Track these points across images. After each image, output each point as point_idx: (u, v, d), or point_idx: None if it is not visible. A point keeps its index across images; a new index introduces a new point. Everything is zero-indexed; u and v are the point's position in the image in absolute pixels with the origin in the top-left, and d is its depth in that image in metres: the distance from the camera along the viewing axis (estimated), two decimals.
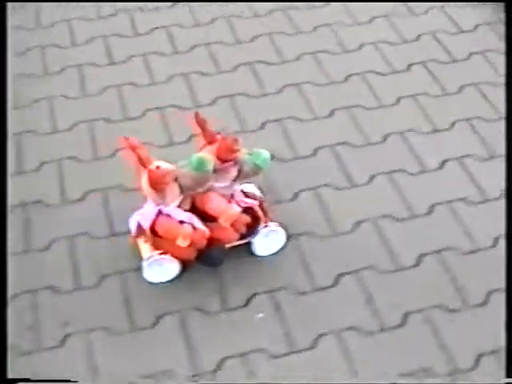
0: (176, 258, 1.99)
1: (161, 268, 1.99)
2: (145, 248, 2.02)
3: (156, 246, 2.00)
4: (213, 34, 2.83)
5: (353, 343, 1.87)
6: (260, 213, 2.04)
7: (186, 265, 2.03)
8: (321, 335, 1.88)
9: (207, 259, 2.00)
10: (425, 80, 2.63)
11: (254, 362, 1.83)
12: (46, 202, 2.21)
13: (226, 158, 1.92)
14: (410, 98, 2.55)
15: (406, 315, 1.92)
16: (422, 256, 2.06)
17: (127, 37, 2.81)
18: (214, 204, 1.96)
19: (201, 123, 1.95)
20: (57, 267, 2.04)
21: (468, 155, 2.36)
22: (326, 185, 2.25)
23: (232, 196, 2.01)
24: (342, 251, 2.08)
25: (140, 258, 2.01)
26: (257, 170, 1.98)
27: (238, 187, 2.03)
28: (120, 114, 2.48)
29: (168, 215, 1.94)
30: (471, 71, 2.68)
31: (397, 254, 2.07)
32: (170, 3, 2.99)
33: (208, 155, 1.90)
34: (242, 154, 1.97)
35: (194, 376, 1.80)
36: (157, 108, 2.50)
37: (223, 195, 1.99)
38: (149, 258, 1.98)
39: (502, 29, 2.87)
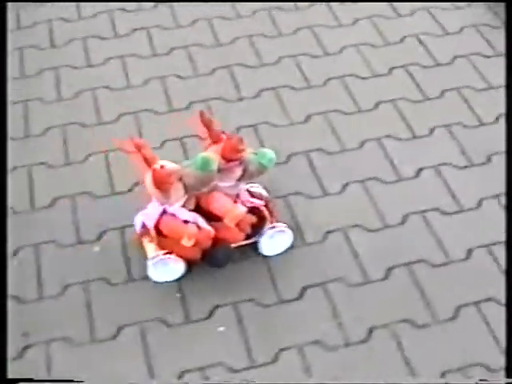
0: (181, 257, 1.98)
1: (166, 268, 1.98)
2: (150, 247, 2.01)
3: (161, 246, 1.99)
4: (193, 36, 2.78)
5: (316, 358, 1.83)
6: (266, 213, 2.02)
7: (191, 265, 2.02)
8: (283, 349, 1.84)
9: (212, 259, 1.99)
10: (406, 84, 2.56)
11: (213, 375, 1.80)
12: (14, 208, 2.17)
13: (230, 157, 1.91)
14: (390, 102, 2.49)
15: (372, 330, 1.88)
16: (391, 269, 2.02)
17: (106, 38, 2.76)
18: (219, 204, 1.95)
19: (206, 122, 1.94)
20: (21, 276, 2.01)
21: (445, 163, 2.30)
22: (297, 193, 2.21)
23: (237, 196, 2.00)
24: (309, 262, 2.03)
25: (144, 258, 1.99)
26: (262, 169, 1.97)
27: (243, 187, 2.01)
28: (94, 119, 2.45)
29: (172, 215, 1.93)
30: (454, 75, 2.60)
31: (366, 266, 2.02)
32: (152, 3, 2.97)
33: (213, 155, 1.89)
34: (247, 153, 1.95)
35: None
36: (131, 112, 2.46)
37: (228, 195, 1.97)
38: (154, 257, 1.98)
39: (487, 31, 2.79)
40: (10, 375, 1.81)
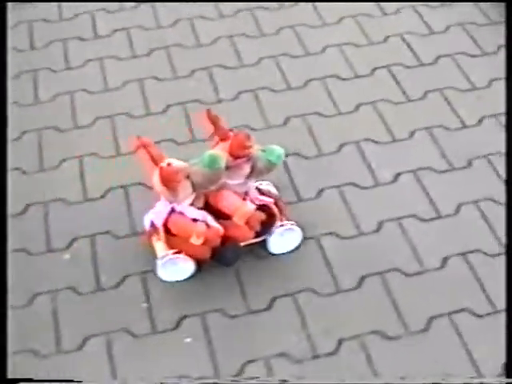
0: (190, 256, 1.97)
1: (175, 267, 1.97)
2: (159, 247, 1.99)
3: (170, 245, 1.97)
4: (173, 37, 2.74)
5: (282, 371, 1.80)
6: (275, 210, 2.00)
7: (200, 264, 2.00)
8: (249, 361, 1.81)
9: (221, 258, 1.98)
10: (388, 85, 2.51)
11: None
12: None
13: (238, 154, 1.89)
14: (370, 104, 2.44)
15: (341, 341, 1.84)
16: (363, 278, 1.98)
17: (87, 40, 2.73)
18: (228, 202, 1.93)
19: (213, 120, 1.92)
20: None
21: (424, 167, 2.24)
22: None
23: (246, 193, 1.98)
24: (279, 272, 1.99)
25: (154, 257, 1.97)
26: (270, 166, 1.95)
27: (252, 184, 1.99)
28: (69, 123, 2.41)
29: (181, 213, 1.92)
30: (437, 76, 2.54)
31: (338, 275, 1.98)
32: (134, 3, 2.91)
33: (220, 152, 1.87)
34: (256, 150, 1.93)
35: None
36: (107, 116, 2.43)
37: (237, 193, 1.95)
38: (163, 256, 1.96)
39: (474, 29, 2.72)
40: None
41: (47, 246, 2.08)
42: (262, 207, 1.99)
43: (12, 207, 2.19)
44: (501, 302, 1.93)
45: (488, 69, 2.58)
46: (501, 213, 2.14)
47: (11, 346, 1.86)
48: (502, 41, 2.69)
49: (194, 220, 1.93)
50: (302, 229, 2.06)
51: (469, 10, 2.83)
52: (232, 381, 1.81)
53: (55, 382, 1.82)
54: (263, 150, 1.95)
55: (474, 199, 2.16)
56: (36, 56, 2.69)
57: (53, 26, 2.82)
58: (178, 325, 1.90)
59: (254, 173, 1.96)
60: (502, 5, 2.81)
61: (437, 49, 2.65)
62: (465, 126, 2.37)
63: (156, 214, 1.97)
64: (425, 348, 1.84)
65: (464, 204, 2.14)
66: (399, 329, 1.87)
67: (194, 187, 1.90)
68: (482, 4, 2.85)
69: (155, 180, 1.88)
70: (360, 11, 2.83)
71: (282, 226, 2.01)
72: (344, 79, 2.54)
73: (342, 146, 2.32)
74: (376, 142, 2.33)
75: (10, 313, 1.93)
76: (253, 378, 1.80)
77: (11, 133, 2.41)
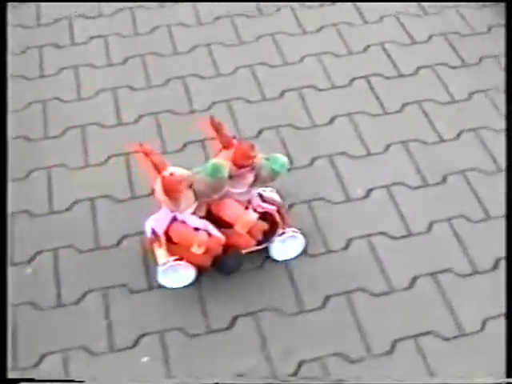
0: (192, 264, 1.95)
1: (176, 274, 1.96)
2: (160, 253, 1.97)
3: (171, 252, 1.95)
4: (150, 44, 2.68)
5: None
6: (278, 218, 1.98)
7: (201, 271, 1.98)
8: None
9: (223, 266, 1.96)
10: (365, 97, 2.45)
11: None
12: None
13: (242, 163, 1.88)
14: (346, 116, 2.38)
15: (301, 364, 1.78)
16: (328, 297, 1.92)
17: (63, 47, 2.68)
18: (230, 210, 1.91)
19: (216, 127, 1.90)
20: None
21: (398, 183, 2.18)
22: None
23: (249, 201, 1.96)
24: (242, 291, 1.94)
25: (155, 264, 1.95)
26: (274, 175, 1.93)
27: (255, 193, 1.97)
28: (40, 133, 2.36)
29: (183, 222, 1.90)
30: (417, 87, 2.48)
31: (303, 294, 1.93)
32: (113, 9, 2.86)
33: (223, 161, 1.85)
34: (259, 159, 1.91)
35: None
36: (79, 126, 2.38)
37: (239, 201, 1.93)
38: (164, 263, 1.94)
39: (456, 39, 2.65)
40: None
41: (11, 260, 2.03)
42: (264, 214, 1.97)
43: None
44: (470, 325, 1.87)
45: (469, 81, 2.51)
46: (474, 231, 2.08)
47: None
48: (485, 52, 2.62)
49: (196, 229, 1.90)
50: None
51: (452, 19, 2.76)
52: None
53: (55, 381, 1.80)
54: (267, 159, 1.93)
55: (447, 217, 2.10)
56: (10, 63, 2.63)
57: (30, 31, 2.77)
58: (136, 343, 1.86)
59: (257, 181, 1.94)
60: (487, 14, 2.77)
61: (418, 59, 2.59)
62: (442, 140, 2.32)
63: (157, 222, 1.95)
64: (388, 371, 1.78)
65: (436, 222, 2.09)
66: (362, 351, 1.82)
67: (197, 196, 1.88)
68: (466, 13, 2.79)
69: (157, 189, 1.86)
70: (341, 19, 2.77)
71: (283, 233, 1.99)
72: (321, 90, 2.49)
73: (314, 159, 2.26)
74: (350, 156, 2.27)
75: None
76: None
77: None
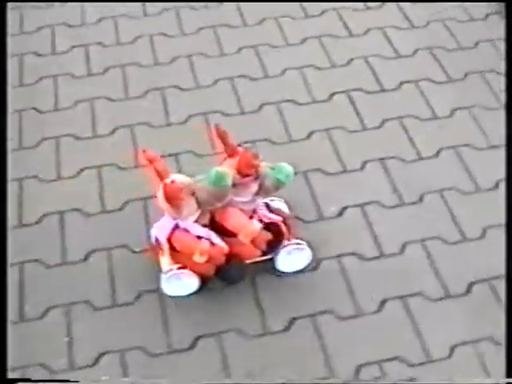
0: (195, 272, 1.93)
1: (179, 282, 1.94)
2: (164, 261, 1.96)
3: (175, 260, 1.94)
4: (130, 54, 2.65)
5: None
6: (284, 229, 1.95)
7: (205, 280, 1.95)
8: None
9: (225, 276, 1.94)
10: (345, 112, 2.40)
11: None
12: None
13: (246, 172, 1.85)
14: (324, 132, 2.33)
15: None
16: (294, 319, 1.87)
17: (43, 55, 2.65)
18: (234, 220, 1.89)
19: (222, 136, 1.88)
20: None
21: (373, 202, 2.13)
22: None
23: (254, 211, 1.93)
24: (205, 310, 1.90)
25: (159, 271, 1.93)
26: (279, 184, 1.90)
27: (260, 202, 1.95)
28: (15, 143, 2.33)
29: (185, 230, 1.88)
30: (398, 103, 2.43)
31: (267, 316, 1.88)
32: (96, 18, 2.82)
33: (227, 169, 1.84)
34: (264, 167, 1.88)
35: None
36: (54, 137, 2.35)
37: (244, 210, 1.90)
38: (168, 271, 1.92)
39: (442, 54, 2.60)
40: None
41: None
42: (269, 225, 1.94)
43: None
44: (438, 351, 1.81)
45: (452, 97, 2.46)
46: (448, 253, 2.02)
47: None
48: (470, 67, 2.57)
49: (199, 237, 1.88)
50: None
51: (439, 33, 2.71)
52: None
53: (55, 381, 1.79)
54: (272, 168, 1.91)
55: (421, 238, 2.05)
56: None
57: (12, 39, 2.74)
58: (96, 361, 1.82)
59: (261, 191, 1.91)
60: (475, 29, 2.71)
61: (402, 74, 2.54)
62: (421, 158, 2.26)
63: (159, 229, 1.94)
64: None
65: (410, 243, 2.04)
66: (326, 373, 1.76)
67: (200, 204, 1.85)
68: (454, 27, 2.73)
69: (160, 196, 1.85)
70: (326, 32, 2.72)
71: (289, 244, 1.96)
72: (300, 104, 2.44)
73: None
74: (325, 173, 2.22)
75: None
76: None
77: None
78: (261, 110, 2.43)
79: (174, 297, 1.94)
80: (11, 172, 2.26)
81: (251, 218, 1.93)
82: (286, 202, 2.07)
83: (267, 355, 1.82)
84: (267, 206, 2.01)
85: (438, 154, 2.28)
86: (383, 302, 1.91)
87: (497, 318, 1.87)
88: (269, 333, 1.86)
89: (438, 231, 2.07)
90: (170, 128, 2.39)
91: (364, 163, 2.26)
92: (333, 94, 2.47)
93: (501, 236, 2.06)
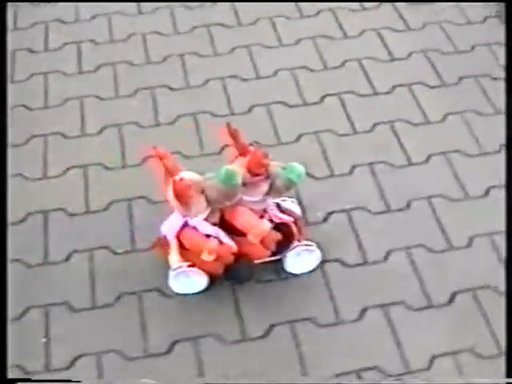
0: (203, 271, 1.92)
1: (188, 280, 1.93)
2: (173, 258, 1.94)
3: (184, 257, 1.93)
4: (123, 52, 2.63)
5: None
6: (294, 230, 1.94)
7: (214, 279, 1.95)
8: None
9: (234, 275, 1.94)
10: (335, 115, 2.37)
11: None
12: None
13: (256, 171, 1.84)
14: (314, 135, 2.31)
15: None
16: (272, 326, 1.84)
17: (36, 52, 2.64)
18: (243, 219, 1.88)
19: (233, 134, 1.87)
20: None
21: (359, 207, 2.10)
22: None
23: (265, 210, 1.92)
24: (184, 314, 1.88)
25: (168, 268, 1.92)
26: (290, 184, 1.89)
27: (271, 202, 1.94)
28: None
29: (194, 228, 1.88)
30: (390, 107, 2.40)
31: (246, 322, 1.85)
32: (90, 15, 2.81)
33: (237, 168, 1.83)
34: (275, 167, 1.87)
35: None
36: (41, 135, 2.34)
37: (254, 210, 1.89)
38: (176, 268, 1.92)
39: (437, 57, 2.56)
40: None
41: None
42: (280, 225, 1.93)
43: None
44: (417, 362, 1.77)
45: (445, 101, 2.42)
46: (432, 262, 1.99)
47: None
48: (465, 72, 2.53)
49: (207, 236, 1.87)
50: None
51: (435, 36, 2.66)
52: None
53: (55, 381, 1.78)
54: (283, 168, 1.89)
55: (405, 245, 2.01)
56: None
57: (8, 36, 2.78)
58: (72, 364, 1.81)
59: (272, 191, 1.90)
60: (472, 32, 2.66)
61: (395, 77, 2.50)
62: (410, 164, 2.23)
63: (169, 226, 1.92)
64: None
65: (394, 250, 2.00)
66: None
67: (209, 202, 1.84)
68: (450, 29, 2.69)
69: (169, 193, 1.84)
70: (320, 33, 2.69)
71: (298, 245, 1.94)
72: (291, 106, 2.41)
73: None
74: (312, 177, 2.20)
75: None
76: None
77: None
78: (251, 111, 2.41)
79: (153, 299, 1.92)
80: None
81: (261, 217, 1.91)
82: (300, 203, 2.03)
83: (244, 361, 1.80)
84: (278, 206, 1.99)
85: (428, 159, 2.24)
86: (364, 310, 1.89)
87: (479, 328, 1.84)
88: (248, 339, 1.84)
89: (424, 239, 2.04)
90: (159, 128, 2.37)
91: (352, 167, 2.23)
92: (324, 97, 2.44)
93: (487, 245, 2.03)
